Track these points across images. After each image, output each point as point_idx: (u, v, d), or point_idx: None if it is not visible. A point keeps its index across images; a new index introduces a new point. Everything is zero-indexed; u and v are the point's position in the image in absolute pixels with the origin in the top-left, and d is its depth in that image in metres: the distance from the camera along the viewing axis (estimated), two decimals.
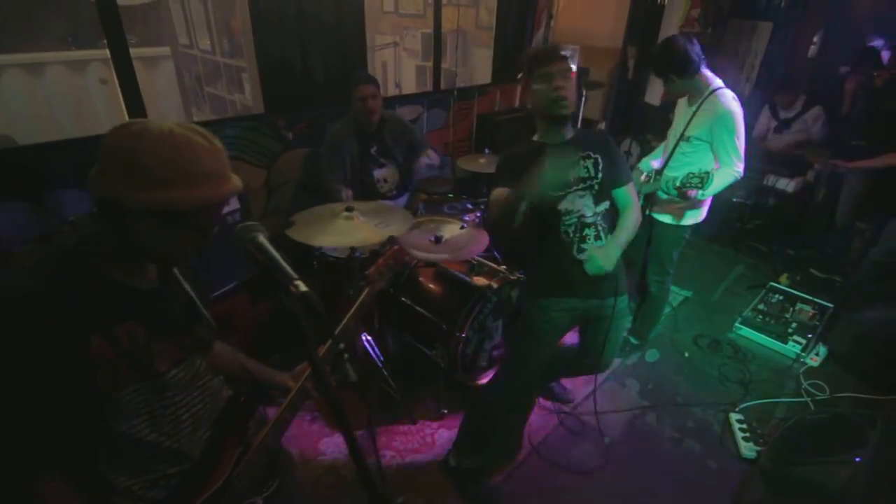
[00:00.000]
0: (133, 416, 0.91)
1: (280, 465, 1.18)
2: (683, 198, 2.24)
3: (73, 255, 0.87)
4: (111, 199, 0.81)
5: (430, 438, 2.33)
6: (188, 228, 0.88)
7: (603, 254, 1.71)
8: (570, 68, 1.73)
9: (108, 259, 0.90)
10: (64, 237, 0.89)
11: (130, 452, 0.93)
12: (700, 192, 2.18)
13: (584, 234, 1.74)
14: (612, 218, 1.82)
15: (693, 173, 2.15)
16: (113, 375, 0.87)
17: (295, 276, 0.74)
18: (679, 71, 2.24)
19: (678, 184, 2.19)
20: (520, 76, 1.81)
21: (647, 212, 2.48)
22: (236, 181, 0.91)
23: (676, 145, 2.41)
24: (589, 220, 1.74)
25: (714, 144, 2.28)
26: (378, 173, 2.88)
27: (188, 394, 1.00)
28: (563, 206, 1.72)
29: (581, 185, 1.73)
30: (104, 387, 0.86)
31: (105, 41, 2.24)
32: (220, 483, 0.95)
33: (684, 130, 2.36)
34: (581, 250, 1.75)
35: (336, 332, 1.11)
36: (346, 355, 0.75)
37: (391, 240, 1.23)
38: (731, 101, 2.24)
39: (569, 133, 1.76)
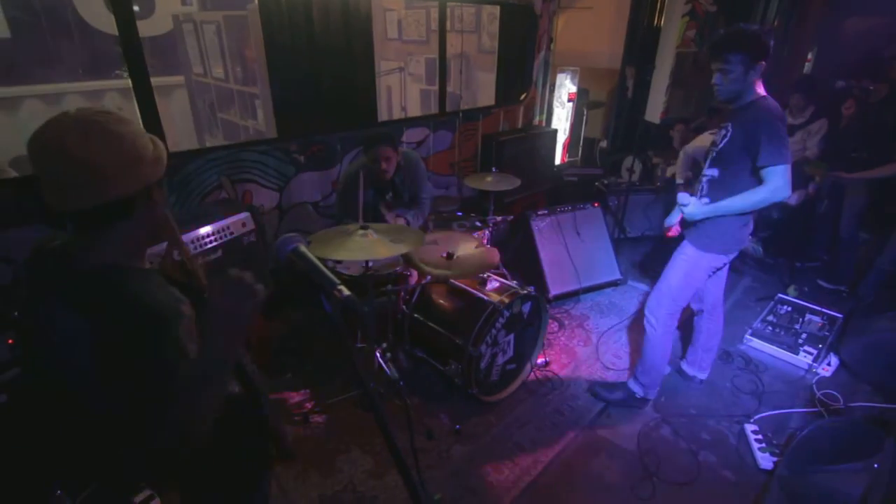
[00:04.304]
0: None
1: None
2: None
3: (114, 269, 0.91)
4: (115, 200, 0.84)
5: (445, 454, 2.33)
6: (155, 203, 0.94)
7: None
8: None
9: (127, 257, 0.93)
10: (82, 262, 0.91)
11: None
12: None
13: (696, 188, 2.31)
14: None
15: None
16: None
17: (338, 281, 0.78)
18: None
19: None
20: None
21: None
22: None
23: None
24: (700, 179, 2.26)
25: None
26: (390, 215, 2.90)
27: None
28: None
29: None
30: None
31: (118, 72, 2.33)
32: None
33: None
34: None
35: None
36: (388, 355, 0.78)
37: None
38: None
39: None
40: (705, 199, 2.23)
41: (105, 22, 3.66)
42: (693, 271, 2.30)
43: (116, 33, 2.27)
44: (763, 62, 1.98)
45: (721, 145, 2.14)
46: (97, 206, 0.83)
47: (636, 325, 3.29)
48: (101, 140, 0.82)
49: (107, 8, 3.62)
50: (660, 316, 2.39)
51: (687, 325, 2.82)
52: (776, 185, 1.99)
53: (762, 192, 2.02)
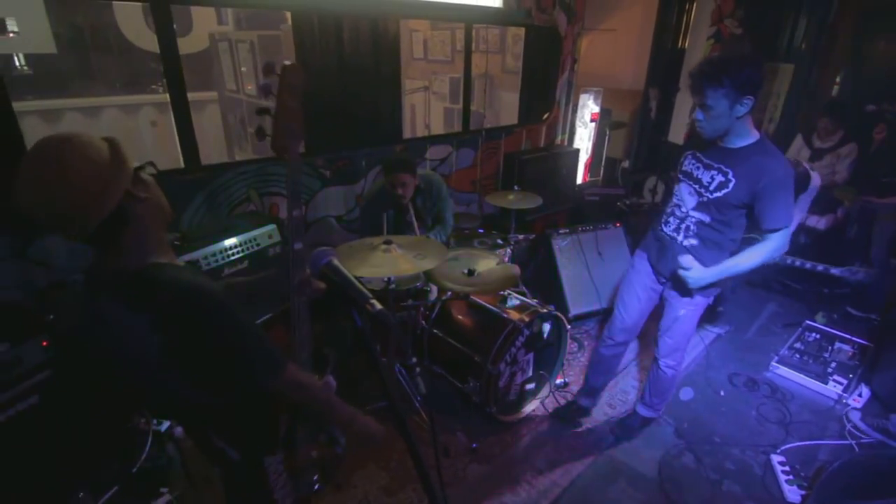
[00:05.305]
0: None
1: None
2: None
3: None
4: (115, 206, 0.89)
5: (462, 472, 2.30)
6: (140, 199, 0.98)
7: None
8: None
9: (156, 254, 0.99)
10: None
11: None
12: None
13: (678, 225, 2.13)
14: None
15: None
16: None
17: (370, 295, 0.80)
18: None
19: None
20: None
21: None
22: None
23: None
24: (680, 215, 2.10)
25: None
26: (412, 233, 2.93)
27: None
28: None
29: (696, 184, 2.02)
30: None
31: (153, 87, 2.44)
32: None
33: None
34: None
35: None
36: (417, 370, 0.79)
37: None
38: None
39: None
40: (693, 241, 2.04)
41: (145, 40, 3.83)
42: (699, 316, 2.24)
43: (157, 51, 2.37)
44: (752, 96, 1.72)
45: (718, 194, 1.90)
46: (86, 234, 0.88)
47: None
48: (68, 172, 0.85)
49: (147, 27, 3.79)
50: (679, 359, 2.34)
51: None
52: (779, 244, 1.87)
53: (764, 253, 1.89)
